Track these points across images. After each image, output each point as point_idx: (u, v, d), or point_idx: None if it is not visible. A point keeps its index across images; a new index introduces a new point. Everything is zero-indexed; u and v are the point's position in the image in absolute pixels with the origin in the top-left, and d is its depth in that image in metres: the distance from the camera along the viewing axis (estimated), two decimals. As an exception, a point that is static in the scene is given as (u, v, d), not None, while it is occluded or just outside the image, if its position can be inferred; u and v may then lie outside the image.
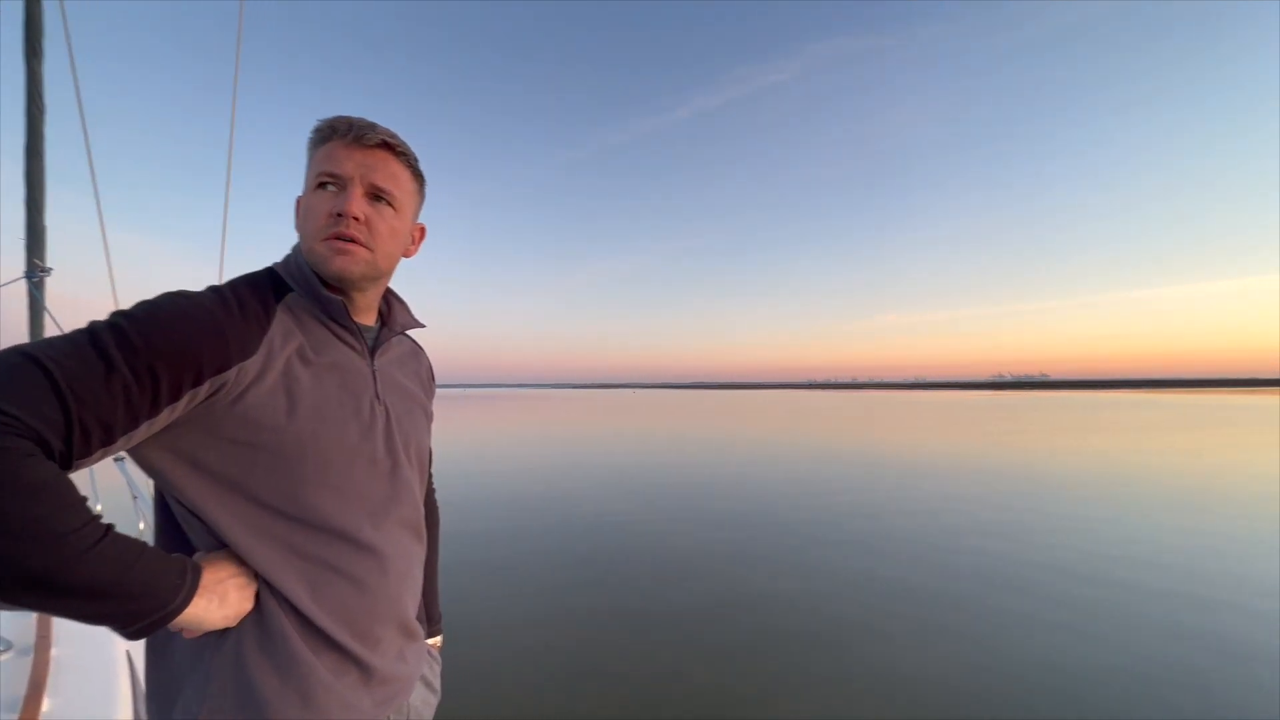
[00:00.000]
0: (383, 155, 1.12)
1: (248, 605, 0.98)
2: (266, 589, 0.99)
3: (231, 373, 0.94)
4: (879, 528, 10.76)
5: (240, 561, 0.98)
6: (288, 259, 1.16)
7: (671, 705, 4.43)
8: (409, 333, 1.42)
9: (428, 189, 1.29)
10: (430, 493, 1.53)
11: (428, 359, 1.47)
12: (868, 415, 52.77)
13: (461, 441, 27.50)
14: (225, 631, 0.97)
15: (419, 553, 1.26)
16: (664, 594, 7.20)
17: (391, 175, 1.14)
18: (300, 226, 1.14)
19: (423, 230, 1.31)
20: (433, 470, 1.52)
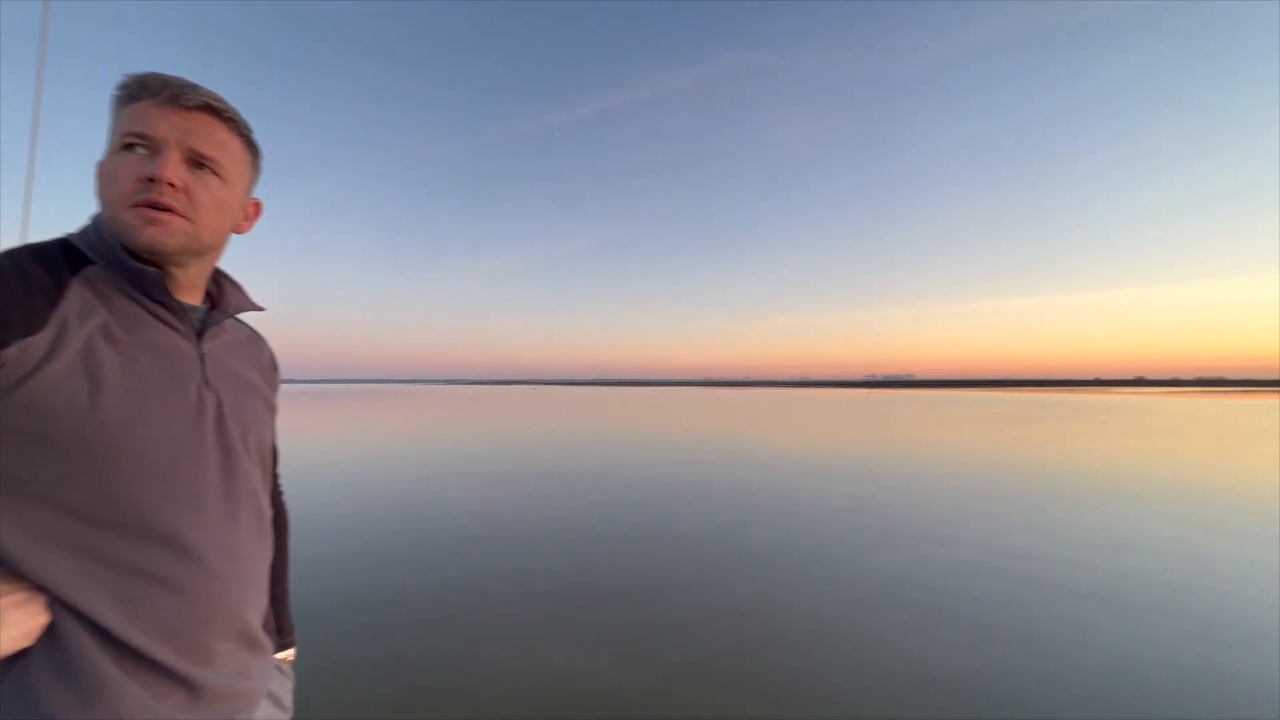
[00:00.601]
0: (205, 119, 1.01)
1: (33, 626, 0.84)
2: (62, 607, 0.86)
3: (11, 351, 0.82)
4: (730, 509, 11.99)
5: (16, 576, 0.85)
6: (85, 229, 1.01)
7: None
8: (249, 319, 1.31)
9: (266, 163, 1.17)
10: (277, 493, 1.39)
11: (269, 348, 1.32)
12: (756, 410, 56.13)
13: (324, 443, 26.11)
14: (10, 661, 0.85)
15: (262, 555, 1.13)
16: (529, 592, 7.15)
17: (218, 142, 1.03)
18: (102, 194, 0.99)
19: (258, 206, 1.20)
20: (279, 470, 1.41)
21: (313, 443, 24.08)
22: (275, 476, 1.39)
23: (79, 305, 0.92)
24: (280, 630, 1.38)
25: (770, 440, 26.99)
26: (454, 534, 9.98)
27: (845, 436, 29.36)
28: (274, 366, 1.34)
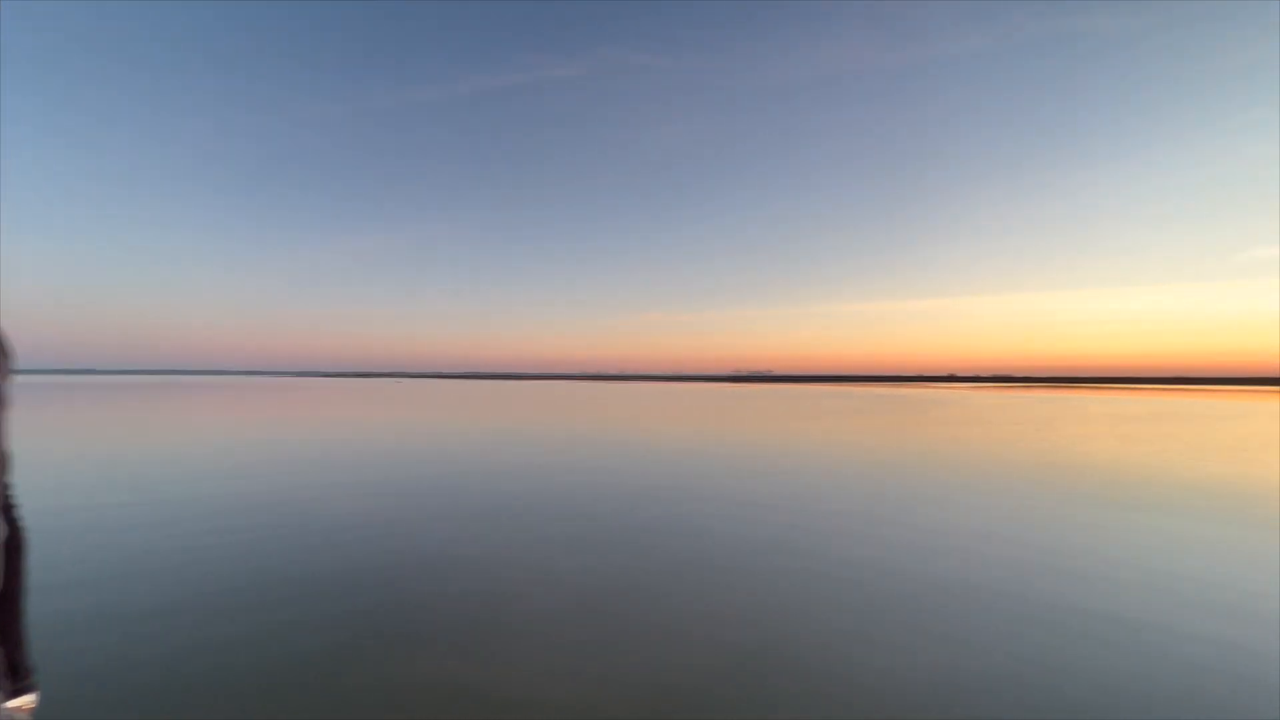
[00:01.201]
0: None
1: None
2: None
3: None
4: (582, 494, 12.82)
5: None
6: None
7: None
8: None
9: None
10: (8, 508, 1.18)
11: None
12: (629, 403, 57.78)
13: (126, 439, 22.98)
14: None
15: None
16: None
17: None
18: None
19: None
20: (10, 479, 1.21)
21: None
22: (5, 486, 1.17)
23: None
24: (15, 671, 1.14)
25: (584, 430, 28.06)
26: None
27: (706, 428, 31.51)
28: (4, 354, 1.13)
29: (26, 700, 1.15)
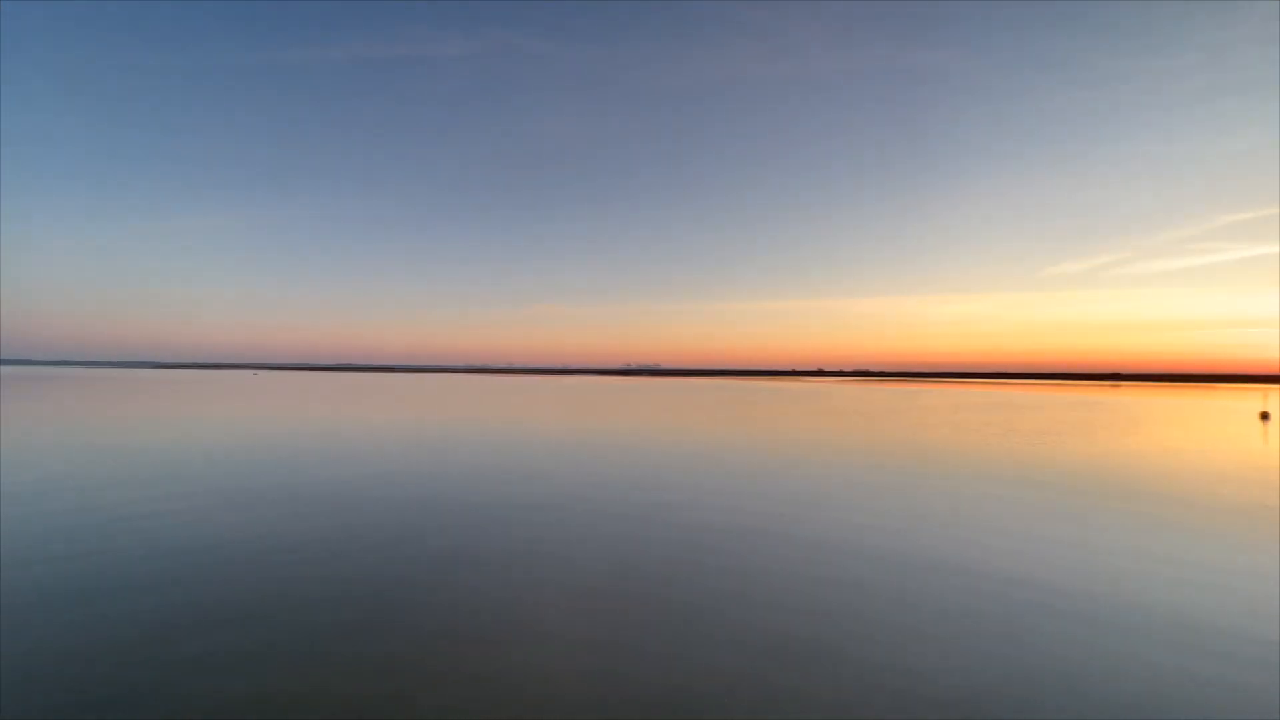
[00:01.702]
0: None
1: None
2: None
3: None
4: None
5: None
6: None
7: None
8: None
9: None
10: None
11: None
12: (499, 397, 55.59)
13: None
14: None
15: None
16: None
17: None
18: None
19: None
20: None
21: None
22: None
23: None
24: None
25: (447, 423, 26.56)
26: None
27: (587, 419, 30.63)
28: None
29: None
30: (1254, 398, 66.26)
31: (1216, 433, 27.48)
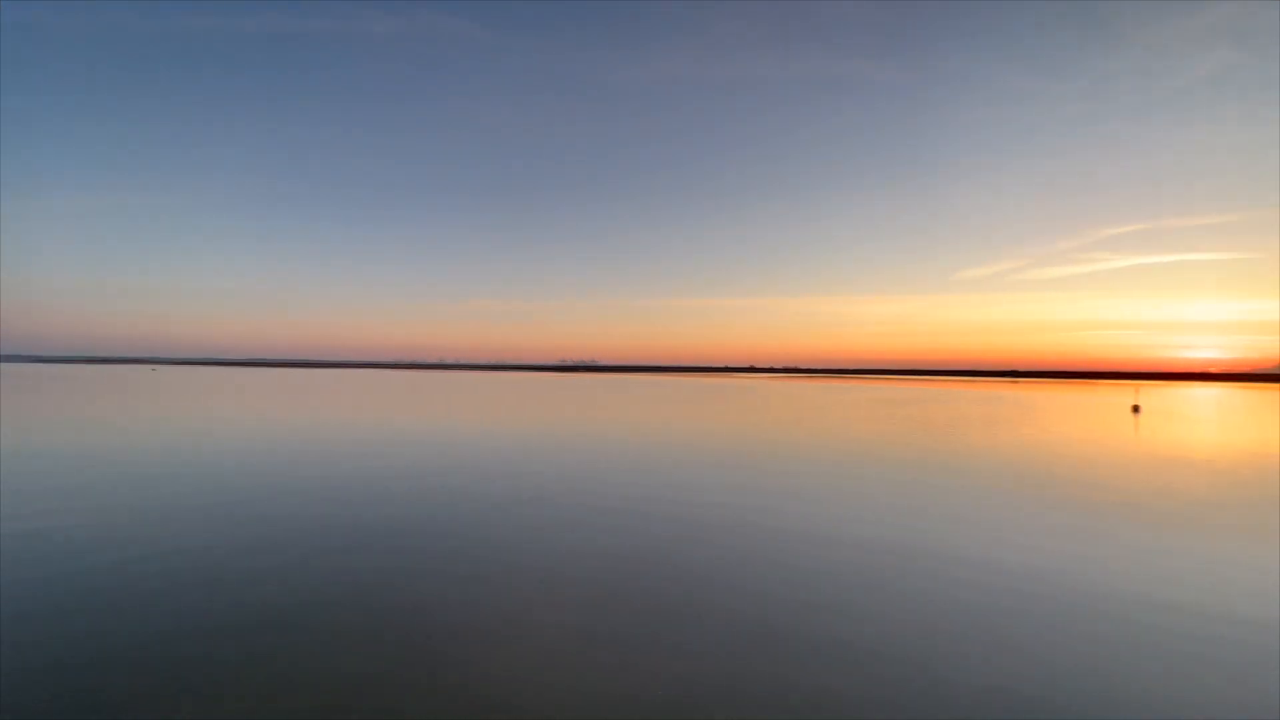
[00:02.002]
0: None
1: None
2: None
3: None
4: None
5: None
6: None
7: None
8: None
9: None
10: None
11: None
12: (442, 393, 54.08)
13: None
14: None
15: None
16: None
17: None
18: None
19: None
20: None
21: None
22: None
23: None
24: None
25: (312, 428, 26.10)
26: None
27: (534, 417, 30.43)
28: None
29: None
30: (1127, 393, 74.50)
31: (1098, 424, 30.99)
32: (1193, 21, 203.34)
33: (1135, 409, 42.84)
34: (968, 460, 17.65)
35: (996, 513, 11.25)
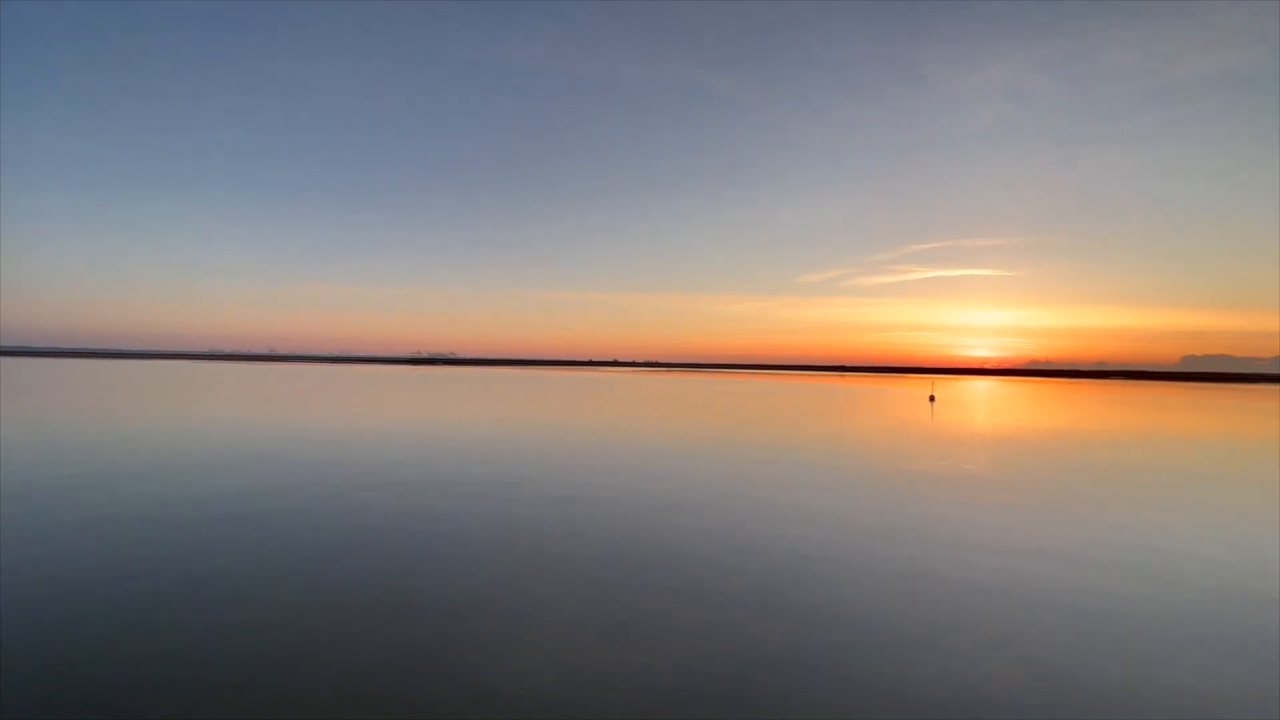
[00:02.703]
0: None
1: None
2: None
3: None
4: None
5: None
6: None
7: None
8: None
9: None
10: None
11: None
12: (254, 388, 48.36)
13: None
14: None
15: None
16: None
17: None
18: None
19: None
20: None
21: None
22: None
23: None
24: None
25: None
26: None
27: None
28: None
29: None
30: (926, 385, 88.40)
31: (905, 411, 36.75)
32: (981, 76, 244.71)
33: (931, 399, 51.12)
34: (809, 442, 20.19)
35: (833, 482, 13.22)
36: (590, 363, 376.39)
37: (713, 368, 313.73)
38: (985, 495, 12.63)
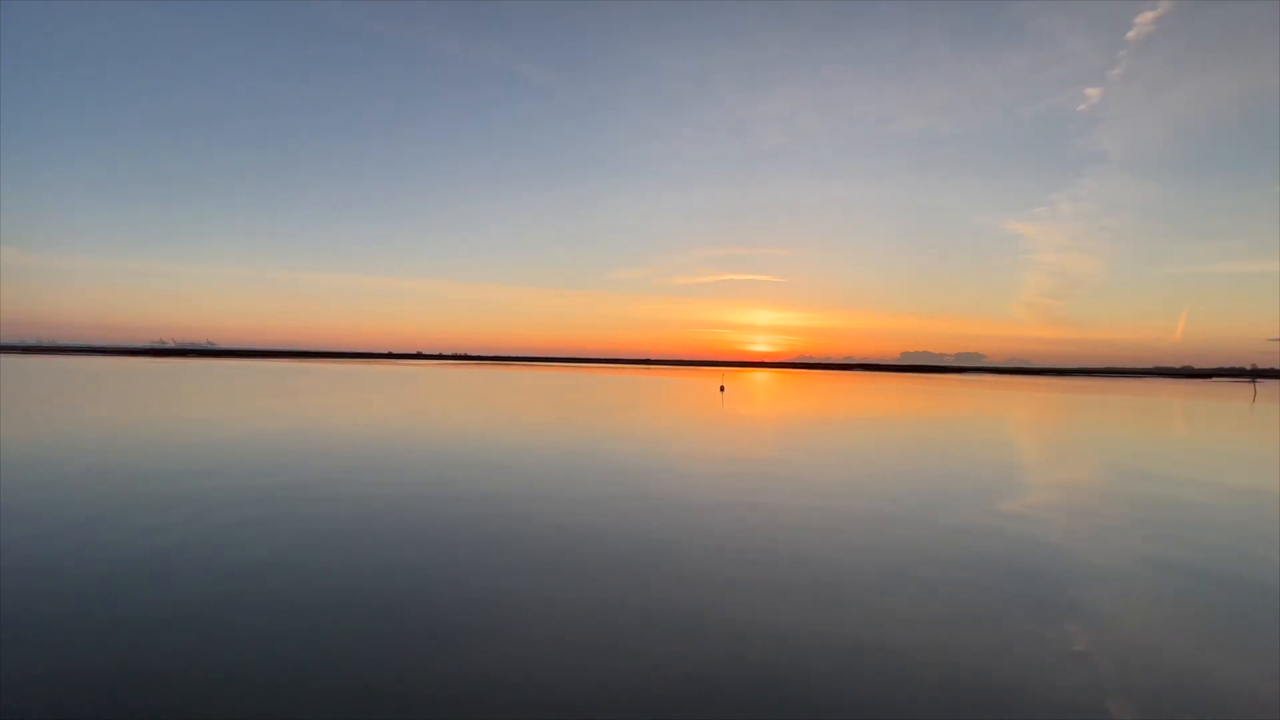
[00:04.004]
0: None
1: None
2: None
3: None
4: None
5: None
6: None
7: None
8: None
9: None
10: None
11: None
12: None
13: None
14: None
15: None
16: None
17: None
18: None
19: None
20: None
21: None
22: None
23: None
24: None
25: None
26: None
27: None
28: None
29: None
30: (717, 377, 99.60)
31: (699, 400, 41.63)
32: (764, 107, 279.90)
33: (722, 389, 58.21)
34: (613, 430, 22.27)
35: (641, 463, 15.18)
36: (391, 355, 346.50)
37: (526, 360, 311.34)
38: (768, 461, 15.75)
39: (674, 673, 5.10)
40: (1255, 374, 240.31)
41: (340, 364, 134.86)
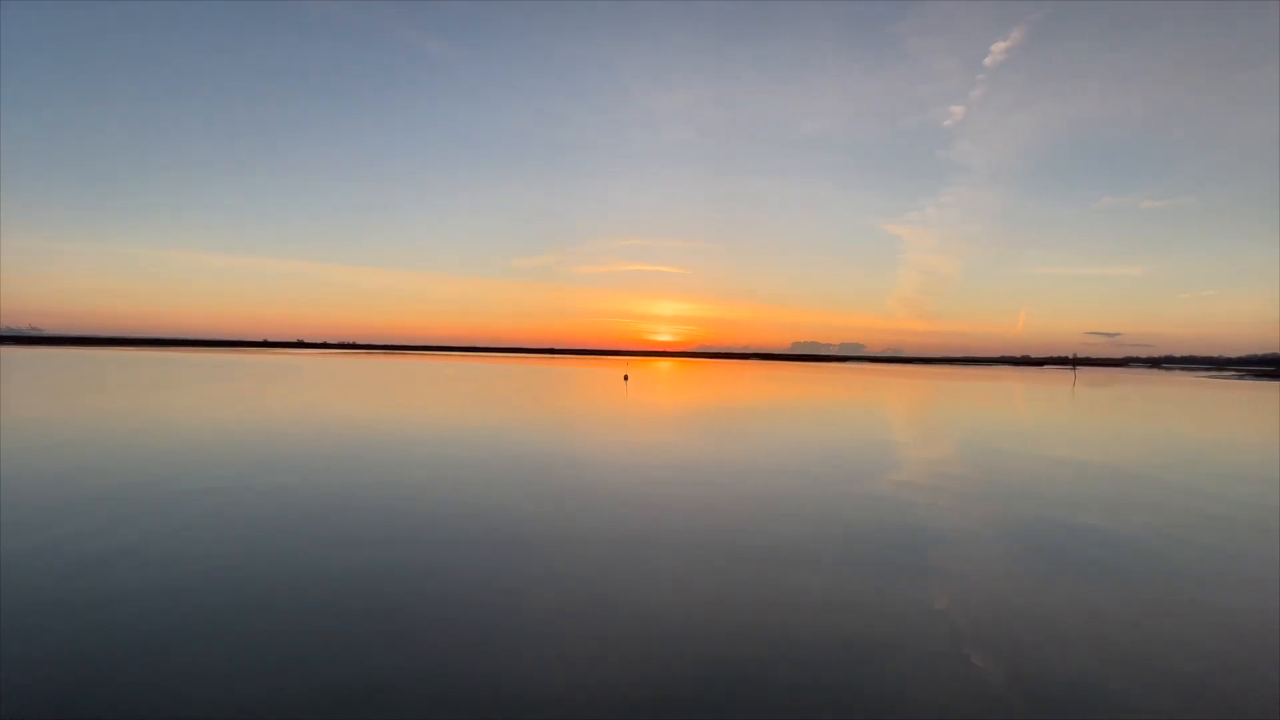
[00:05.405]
0: None
1: None
2: None
3: None
4: None
5: None
6: None
7: None
8: None
9: None
10: None
11: None
12: None
13: None
14: None
15: None
16: None
17: None
18: None
19: None
20: None
21: None
22: None
23: None
24: None
25: None
26: None
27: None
28: None
29: None
30: (622, 366, 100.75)
31: (604, 389, 42.07)
32: (669, 100, 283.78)
33: (626, 378, 59.07)
34: (510, 421, 22.11)
35: (534, 452, 15.24)
36: (268, 344, 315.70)
37: (424, 349, 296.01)
38: (672, 440, 16.37)
39: (579, 655, 5.38)
40: (1076, 362, 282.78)
41: (210, 354, 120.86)
